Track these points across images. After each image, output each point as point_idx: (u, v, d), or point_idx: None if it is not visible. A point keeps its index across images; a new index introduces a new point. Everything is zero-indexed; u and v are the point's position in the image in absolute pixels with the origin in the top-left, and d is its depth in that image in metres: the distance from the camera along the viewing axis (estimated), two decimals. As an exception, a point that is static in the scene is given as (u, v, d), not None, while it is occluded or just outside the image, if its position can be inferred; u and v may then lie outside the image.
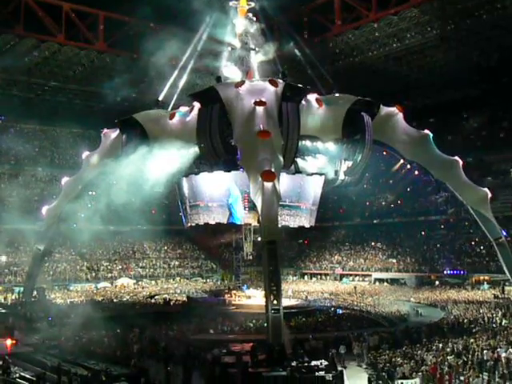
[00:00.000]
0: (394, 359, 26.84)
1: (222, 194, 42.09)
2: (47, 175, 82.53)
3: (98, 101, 76.73)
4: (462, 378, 23.67)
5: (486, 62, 67.74)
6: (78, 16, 63.03)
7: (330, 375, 24.29)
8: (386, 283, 72.51)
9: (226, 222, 43.27)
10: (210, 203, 43.12)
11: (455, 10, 57.66)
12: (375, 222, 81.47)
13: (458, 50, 65.80)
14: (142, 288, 71.60)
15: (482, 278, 64.87)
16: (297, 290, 65.16)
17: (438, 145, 43.29)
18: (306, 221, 44.09)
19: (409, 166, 44.45)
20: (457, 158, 43.24)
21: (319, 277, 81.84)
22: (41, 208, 51.56)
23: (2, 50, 62.16)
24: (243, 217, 42.19)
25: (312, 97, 39.95)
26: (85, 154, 48.60)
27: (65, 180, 50.33)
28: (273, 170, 32.88)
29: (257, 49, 46.54)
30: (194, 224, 44.99)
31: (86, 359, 28.64)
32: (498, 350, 27.59)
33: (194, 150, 40.74)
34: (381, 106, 42.22)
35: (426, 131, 43.37)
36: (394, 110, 42.65)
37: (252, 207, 39.52)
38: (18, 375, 25.43)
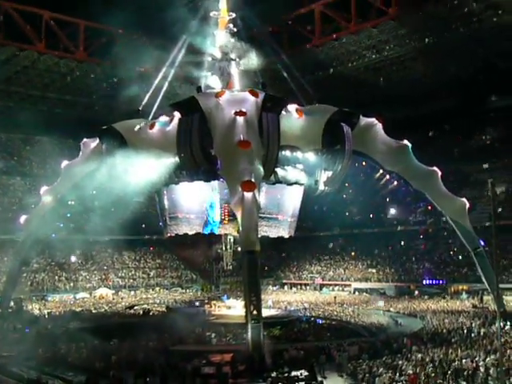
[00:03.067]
0: (373, 369, 26.89)
1: (201, 205, 42.04)
2: (25, 184, 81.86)
3: (78, 110, 76.42)
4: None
5: (464, 74, 68.62)
6: (58, 25, 62.69)
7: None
8: (365, 293, 72.74)
9: (204, 232, 43.23)
10: (188, 214, 43.07)
11: (433, 22, 58.40)
12: (354, 231, 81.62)
13: (435, 62, 66.61)
14: (121, 298, 71.09)
15: (460, 287, 65.33)
16: (277, 300, 65.03)
17: (416, 155, 43.61)
18: (285, 231, 44.18)
19: (388, 177, 44.67)
20: (435, 168, 43.59)
21: (299, 287, 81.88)
22: (18, 218, 51.04)
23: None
24: (222, 227, 42.19)
25: (292, 107, 40.07)
26: (64, 163, 48.25)
27: (43, 189, 49.91)
28: (253, 180, 32.92)
29: (237, 59, 46.62)
30: (173, 234, 44.86)
31: (64, 371, 28.35)
32: (476, 359, 27.82)
33: (174, 160, 40.60)
34: (360, 116, 42.45)
35: (405, 142, 43.64)
36: (373, 120, 42.89)
37: (232, 217, 39.56)
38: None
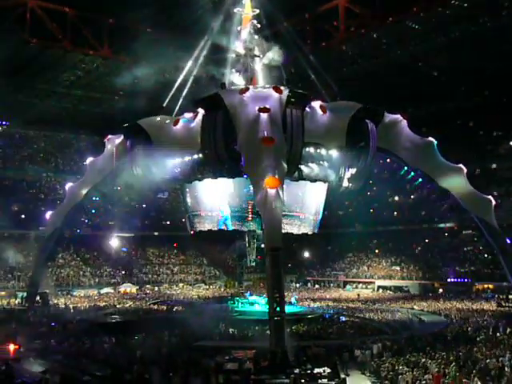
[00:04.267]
0: (397, 367, 26.74)
1: (224, 201, 42.11)
2: (51, 181, 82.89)
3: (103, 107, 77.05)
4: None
5: (491, 69, 67.60)
6: (83, 22, 63.05)
7: (333, 383, 24.23)
8: (389, 291, 72.38)
9: (226, 229, 43.31)
10: (210, 212, 43.19)
11: (460, 15, 57.56)
12: (379, 229, 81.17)
13: (462, 57, 65.64)
14: (145, 294, 71.54)
15: (485, 286, 64.73)
16: (300, 297, 65.01)
17: (442, 152, 43.23)
18: (308, 228, 44.05)
19: (413, 174, 44.37)
20: (461, 165, 43.16)
21: (322, 284, 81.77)
22: (44, 213, 51.68)
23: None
24: (246, 223, 42.24)
25: (316, 103, 39.95)
26: (89, 159, 48.75)
27: (69, 186, 50.48)
28: (277, 176, 32.89)
29: (261, 55, 46.56)
30: (197, 230, 44.99)
31: (88, 365, 28.62)
32: (501, 358, 27.51)
33: (197, 157, 40.74)
34: (385, 113, 42.17)
35: (430, 138, 43.26)
36: (398, 117, 42.61)
37: (256, 214, 39.59)
38: (20, 380, 25.41)
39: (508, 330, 37.51)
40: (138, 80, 63.44)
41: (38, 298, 53.49)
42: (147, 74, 61.42)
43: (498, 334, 36.50)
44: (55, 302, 58.31)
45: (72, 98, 78.27)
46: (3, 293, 63.28)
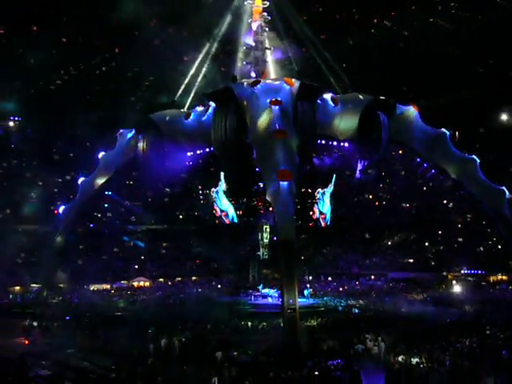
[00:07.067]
0: (411, 359, 26.66)
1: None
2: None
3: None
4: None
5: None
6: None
7: (347, 375, 24.20)
8: (402, 283, 72.11)
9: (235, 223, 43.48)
10: (223, 205, 43.34)
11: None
12: (391, 221, 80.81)
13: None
14: (158, 288, 71.65)
15: (499, 277, 64.40)
16: (313, 290, 64.84)
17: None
18: (321, 220, 44.05)
19: (426, 165, 44.22)
20: (474, 156, 42.92)
21: (335, 276, 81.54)
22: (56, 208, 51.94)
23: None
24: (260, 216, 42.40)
25: (328, 96, 39.88)
26: (101, 153, 48.86)
27: (81, 180, 50.64)
28: (289, 169, 32.83)
29: (272, 48, 46.47)
30: (210, 223, 45.17)
31: (102, 358, 28.75)
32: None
33: (209, 150, 40.80)
34: (397, 104, 41.99)
35: (443, 129, 43.06)
36: (409, 108, 42.42)
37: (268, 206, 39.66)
38: (35, 374, 25.56)
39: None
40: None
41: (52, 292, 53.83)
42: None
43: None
44: (69, 296, 58.64)
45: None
46: (17, 288, 63.63)
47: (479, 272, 66.62)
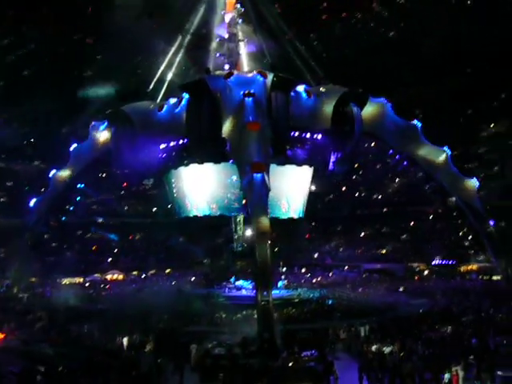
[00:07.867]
0: (383, 349, 26.95)
1: (209, 187, 42.13)
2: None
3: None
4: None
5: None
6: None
7: (321, 366, 24.37)
8: (375, 274, 72.66)
9: (215, 214, 43.34)
10: (196, 197, 43.16)
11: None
12: (364, 212, 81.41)
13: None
14: (132, 281, 71.30)
15: (470, 267, 65.25)
16: (287, 281, 65.00)
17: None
18: (295, 212, 44.18)
19: (398, 157, 44.61)
20: (445, 148, 43.40)
21: (309, 268, 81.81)
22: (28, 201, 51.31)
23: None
24: (232, 208, 42.32)
25: (301, 88, 39.94)
26: (73, 146, 48.34)
27: (53, 172, 50.06)
28: (262, 161, 32.88)
29: (245, 40, 46.37)
30: (183, 216, 45.01)
31: (76, 352, 28.55)
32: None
33: (182, 142, 40.63)
34: (369, 97, 42.24)
35: (415, 121, 43.46)
36: (382, 100, 42.71)
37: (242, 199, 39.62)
38: (7, 370, 25.30)
39: (491, 309, 37.90)
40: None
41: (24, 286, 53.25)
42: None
43: (482, 314, 36.86)
44: (41, 290, 58.06)
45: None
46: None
47: (450, 262, 67.41)
